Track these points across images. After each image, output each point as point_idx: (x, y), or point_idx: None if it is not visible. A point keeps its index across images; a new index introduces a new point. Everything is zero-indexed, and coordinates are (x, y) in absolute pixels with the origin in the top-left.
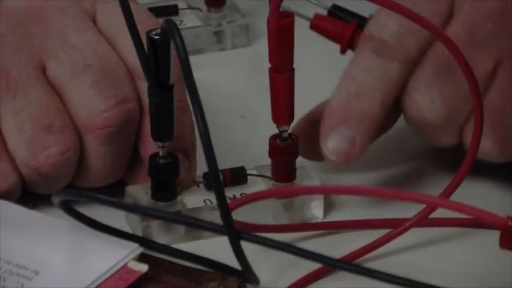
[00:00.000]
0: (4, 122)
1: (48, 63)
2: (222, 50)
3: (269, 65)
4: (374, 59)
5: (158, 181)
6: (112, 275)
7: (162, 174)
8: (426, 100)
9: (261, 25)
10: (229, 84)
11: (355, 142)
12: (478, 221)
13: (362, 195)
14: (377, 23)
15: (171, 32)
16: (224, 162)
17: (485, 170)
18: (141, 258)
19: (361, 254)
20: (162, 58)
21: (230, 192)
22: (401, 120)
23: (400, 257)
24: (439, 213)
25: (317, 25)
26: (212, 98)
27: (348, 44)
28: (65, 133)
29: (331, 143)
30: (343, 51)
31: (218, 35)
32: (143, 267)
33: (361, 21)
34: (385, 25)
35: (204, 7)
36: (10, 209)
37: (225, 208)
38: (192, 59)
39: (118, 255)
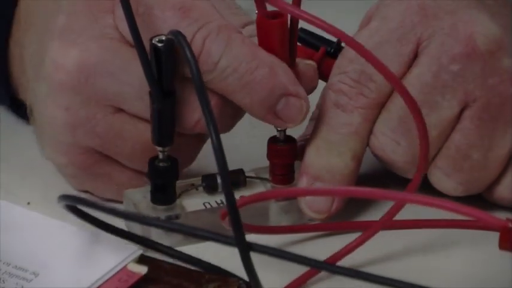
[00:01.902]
0: None
1: None
2: None
3: None
4: (335, 113)
5: (157, 184)
6: (112, 276)
7: (162, 177)
8: (391, 143)
9: None
10: None
11: (332, 198)
12: (477, 223)
13: (361, 196)
14: (338, 67)
15: (179, 43)
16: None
17: None
18: (141, 260)
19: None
20: (165, 66)
21: None
22: None
23: (399, 259)
24: (439, 215)
25: None
26: None
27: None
28: None
29: (309, 201)
30: None
31: None
32: (143, 269)
33: (328, 48)
34: (345, 71)
35: None
36: (10, 210)
37: (237, 221)
38: None
39: (117, 257)
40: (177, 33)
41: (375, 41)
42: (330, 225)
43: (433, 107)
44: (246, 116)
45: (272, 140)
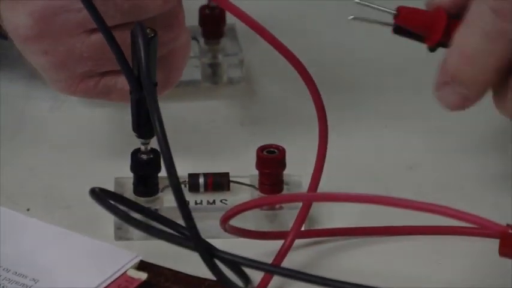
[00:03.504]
0: None
1: None
2: (216, 83)
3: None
4: (492, 20)
5: (139, 176)
6: (111, 283)
7: (143, 169)
8: None
9: (257, 59)
10: (226, 99)
11: (468, 98)
12: (477, 230)
13: (357, 201)
14: None
15: (135, 37)
16: (221, 168)
17: (483, 180)
18: (141, 266)
19: None
20: (145, 58)
21: (211, 197)
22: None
23: (400, 265)
24: (439, 221)
25: (404, 19)
26: (211, 107)
27: (441, 38)
28: None
29: (444, 96)
30: (433, 48)
31: (213, 68)
32: (142, 275)
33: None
34: None
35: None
36: (10, 217)
37: (194, 232)
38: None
39: (117, 263)
40: (137, 26)
41: None
42: (319, 232)
43: None
44: (247, 122)
45: (261, 150)
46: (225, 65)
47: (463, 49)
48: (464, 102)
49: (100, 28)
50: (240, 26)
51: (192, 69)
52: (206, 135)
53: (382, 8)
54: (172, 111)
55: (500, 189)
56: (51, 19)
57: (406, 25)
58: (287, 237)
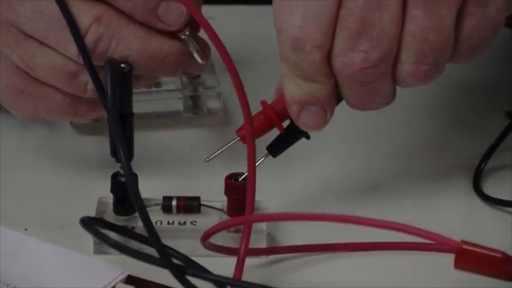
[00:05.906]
0: None
1: None
2: (196, 113)
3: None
4: (297, 57)
5: (118, 197)
6: None
7: (121, 191)
8: (359, 54)
9: (233, 91)
10: (206, 127)
11: (325, 112)
12: (434, 245)
13: (322, 220)
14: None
15: (108, 71)
16: (198, 191)
17: (439, 200)
18: (129, 280)
19: None
20: (121, 89)
21: (182, 218)
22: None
23: (363, 278)
24: (398, 237)
25: (243, 137)
26: (192, 135)
27: (280, 119)
28: None
29: (306, 120)
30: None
31: (194, 99)
32: None
33: None
34: (290, 14)
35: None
36: (9, 236)
37: (162, 252)
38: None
39: (107, 277)
40: (107, 61)
41: None
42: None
43: (381, 9)
44: (228, 152)
45: (229, 178)
46: (204, 97)
47: (295, 79)
48: (326, 116)
49: (82, 56)
50: (217, 61)
51: (174, 101)
52: (187, 160)
53: (230, 144)
54: (157, 139)
55: (455, 209)
56: None
57: (256, 136)
58: (239, 253)
